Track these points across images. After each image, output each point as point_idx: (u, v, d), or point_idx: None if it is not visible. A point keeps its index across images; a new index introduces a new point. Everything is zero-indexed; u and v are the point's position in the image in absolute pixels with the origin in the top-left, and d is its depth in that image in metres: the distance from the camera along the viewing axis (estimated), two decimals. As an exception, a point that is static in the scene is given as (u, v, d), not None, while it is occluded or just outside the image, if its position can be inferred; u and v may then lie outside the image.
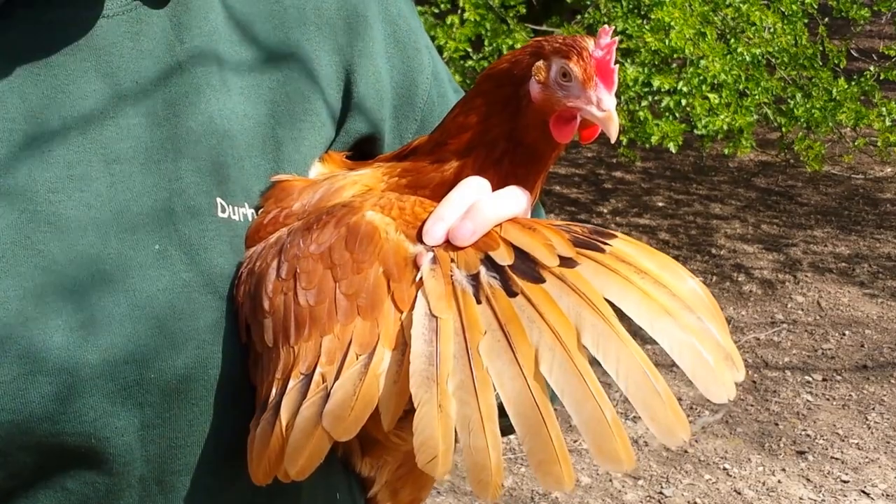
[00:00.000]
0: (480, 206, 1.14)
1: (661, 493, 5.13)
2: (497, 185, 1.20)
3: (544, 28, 5.42)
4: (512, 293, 1.07)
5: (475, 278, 1.09)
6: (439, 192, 1.21)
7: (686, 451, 5.46)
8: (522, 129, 1.23)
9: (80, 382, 1.18)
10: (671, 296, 1.06)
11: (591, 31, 5.35)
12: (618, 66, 1.18)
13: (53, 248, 1.19)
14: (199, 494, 1.24)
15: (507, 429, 1.04)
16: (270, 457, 1.11)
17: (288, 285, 1.17)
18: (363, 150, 1.44)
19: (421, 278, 1.10)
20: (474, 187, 1.18)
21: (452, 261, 1.11)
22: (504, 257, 1.09)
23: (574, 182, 9.40)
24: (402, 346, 1.08)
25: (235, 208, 1.29)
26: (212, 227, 1.27)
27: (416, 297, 1.10)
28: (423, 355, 1.05)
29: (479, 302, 1.07)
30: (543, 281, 1.06)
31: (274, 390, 1.13)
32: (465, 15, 5.11)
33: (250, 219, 1.30)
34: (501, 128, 1.23)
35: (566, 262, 1.07)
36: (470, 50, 5.11)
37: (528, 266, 1.08)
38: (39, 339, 1.16)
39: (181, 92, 1.29)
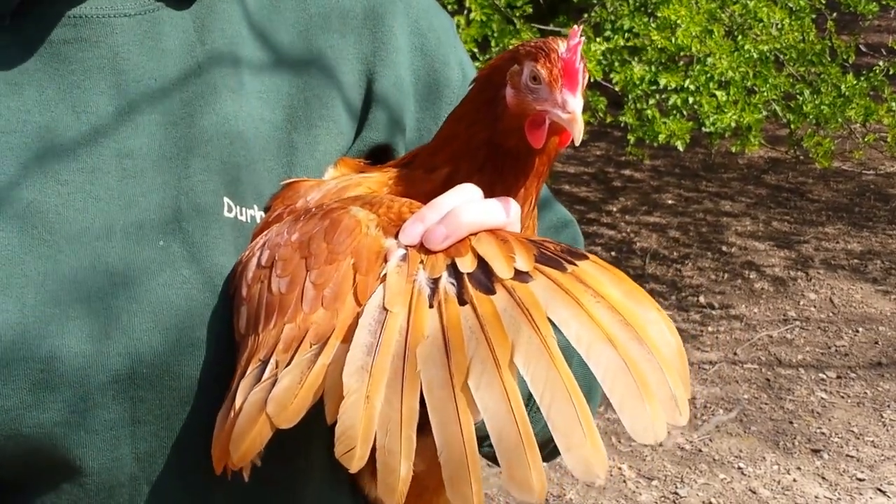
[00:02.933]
0: (457, 212, 1.12)
1: (675, 493, 5.13)
2: (484, 193, 1.19)
3: (551, 28, 5.40)
4: (462, 302, 1.05)
5: (435, 282, 1.08)
6: (429, 198, 1.20)
7: (700, 451, 5.47)
8: (501, 135, 1.22)
9: (74, 373, 1.19)
10: (623, 325, 1.03)
11: (598, 29, 5.33)
12: (582, 66, 1.17)
13: (59, 240, 1.20)
14: (190, 496, 1.24)
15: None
16: (223, 441, 1.10)
17: (265, 273, 1.17)
18: (381, 159, 1.44)
19: (385, 273, 1.10)
20: (462, 193, 1.17)
21: (421, 262, 1.10)
22: (467, 265, 1.08)
23: (583, 181, 9.40)
24: (353, 338, 1.06)
25: (243, 209, 1.30)
26: (216, 225, 1.27)
27: (376, 290, 1.09)
28: (363, 345, 1.04)
29: (430, 306, 1.06)
30: (494, 293, 1.04)
31: (237, 377, 1.13)
32: (472, 15, 5.11)
33: (258, 221, 1.31)
34: (482, 134, 1.24)
35: (521, 276, 1.05)
36: (477, 51, 5.11)
37: (484, 276, 1.06)
38: (37, 329, 1.17)
39: (198, 92, 1.29)
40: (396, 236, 1.14)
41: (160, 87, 1.28)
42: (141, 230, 1.24)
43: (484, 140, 1.24)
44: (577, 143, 1.17)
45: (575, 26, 1.19)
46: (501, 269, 1.06)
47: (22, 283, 1.18)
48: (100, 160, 1.24)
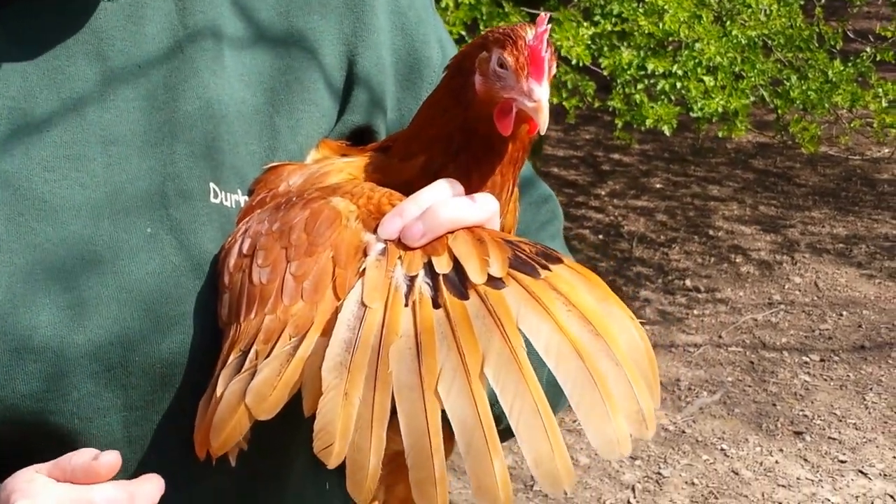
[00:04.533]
0: (436, 208, 1.12)
1: (658, 473, 5.15)
2: (459, 180, 1.20)
3: (540, 11, 5.37)
4: (436, 305, 1.05)
5: (412, 280, 1.07)
6: (407, 187, 1.21)
7: (684, 432, 5.48)
8: (473, 122, 1.22)
9: (66, 363, 1.19)
10: (593, 336, 1.02)
11: (588, 14, 5.31)
12: (548, 53, 1.15)
13: (46, 227, 1.20)
14: (180, 478, 1.24)
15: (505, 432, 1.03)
16: (203, 428, 1.11)
17: (247, 262, 1.18)
18: (362, 140, 1.43)
19: (364, 268, 1.10)
20: (443, 188, 1.17)
21: (400, 258, 1.10)
22: (443, 266, 1.08)
23: (572, 164, 9.39)
24: (332, 332, 1.06)
25: (228, 194, 1.30)
26: (203, 211, 1.27)
27: (355, 285, 1.09)
28: (342, 341, 1.04)
29: (406, 304, 1.05)
30: (467, 298, 1.04)
31: (218, 365, 1.14)
32: (461, -3, 5.08)
33: (242, 206, 1.31)
34: (456, 121, 1.23)
35: (494, 282, 1.05)
36: (465, 33, 5.08)
37: (458, 279, 1.06)
38: (27, 320, 1.18)
39: (181, 76, 1.29)
40: (376, 230, 1.14)
41: (143, 72, 1.27)
42: (129, 218, 1.24)
43: (457, 127, 1.23)
44: (542, 132, 1.16)
45: (542, 13, 1.17)
46: (475, 274, 1.06)
47: (10, 271, 1.19)
48: (85, 148, 1.23)
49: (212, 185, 1.29)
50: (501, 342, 1.01)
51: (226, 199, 1.29)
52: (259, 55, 1.36)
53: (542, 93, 1.14)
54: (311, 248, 1.13)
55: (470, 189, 1.20)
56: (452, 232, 1.12)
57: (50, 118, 1.23)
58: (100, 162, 1.24)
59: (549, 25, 1.14)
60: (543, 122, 1.14)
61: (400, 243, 1.12)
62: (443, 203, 1.13)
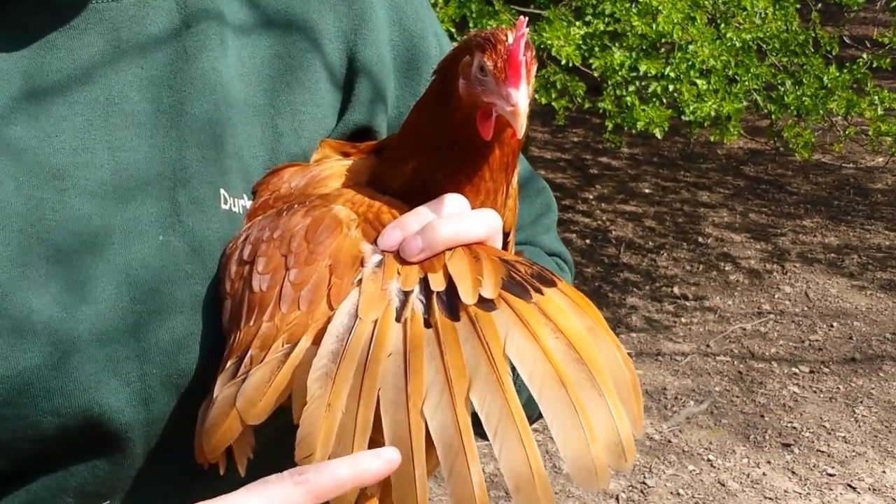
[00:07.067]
0: (436, 224, 1.13)
1: (643, 483, 5.14)
2: (448, 185, 1.21)
3: (531, 10, 5.34)
4: (427, 324, 1.06)
5: (406, 295, 1.09)
6: (401, 192, 1.23)
7: (670, 442, 5.49)
8: (457, 126, 1.21)
9: (71, 352, 1.18)
10: (579, 364, 1.04)
11: (579, 13, 5.28)
12: (527, 57, 1.14)
13: (56, 238, 1.18)
14: (190, 473, 1.20)
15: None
16: (199, 432, 1.13)
17: (247, 269, 1.19)
18: (362, 139, 1.43)
19: (360, 279, 1.12)
20: (447, 204, 1.18)
21: (398, 272, 1.11)
22: (437, 283, 1.09)
23: (559, 167, 9.42)
24: (322, 342, 1.09)
25: (235, 200, 1.30)
26: (215, 218, 1.27)
27: (349, 296, 1.10)
28: (329, 352, 1.06)
29: (398, 320, 1.07)
30: (458, 320, 1.06)
31: (218, 370, 1.16)
32: (450, -6, 5.05)
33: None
34: (442, 126, 1.23)
35: (485, 303, 1.07)
36: (454, 31, 5.04)
37: (451, 299, 1.08)
38: (26, 305, 1.16)
39: (186, 79, 1.28)
40: (375, 240, 1.16)
41: (148, 76, 1.26)
42: (139, 226, 1.23)
43: (444, 132, 1.23)
44: (520, 137, 1.16)
45: (521, 17, 1.17)
46: (466, 294, 1.07)
47: (15, 247, 1.16)
48: (93, 155, 1.22)
49: (222, 190, 1.29)
50: (488, 368, 1.02)
51: (234, 206, 1.30)
52: (259, 57, 1.36)
53: (519, 97, 1.14)
54: (311, 257, 1.15)
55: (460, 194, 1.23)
56: (452, 248, 1.14)
57: (58, 122, 1.21)
58: (107, 169, 1.22)
59: (528, 29, 1.15)
60: (521, 126, 1.14)
61: (398, 256, 1.14)
62: (443, 219, 1.15)
